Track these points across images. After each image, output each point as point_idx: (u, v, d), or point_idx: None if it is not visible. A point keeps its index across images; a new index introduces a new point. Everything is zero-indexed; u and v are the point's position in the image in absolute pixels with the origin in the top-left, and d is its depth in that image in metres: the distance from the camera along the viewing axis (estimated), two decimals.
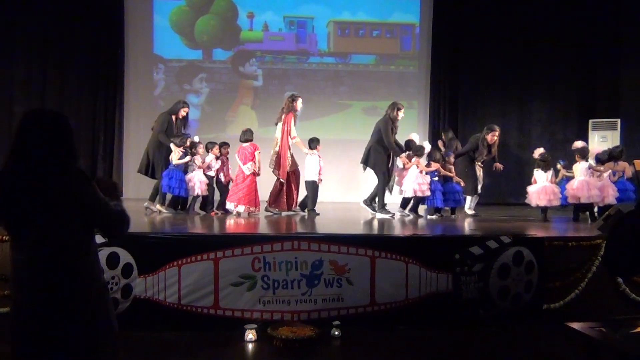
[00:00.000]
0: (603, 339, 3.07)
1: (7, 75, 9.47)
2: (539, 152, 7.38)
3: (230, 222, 6.55)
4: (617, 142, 8.92)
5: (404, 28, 10.62)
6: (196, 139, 7.51)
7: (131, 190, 9.94)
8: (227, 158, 7.54)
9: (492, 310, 4.84)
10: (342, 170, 9.87)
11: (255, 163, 7.13)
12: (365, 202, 7.50)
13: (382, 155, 7.29)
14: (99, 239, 2.64)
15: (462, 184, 7.55)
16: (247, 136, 7.26)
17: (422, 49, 10.58)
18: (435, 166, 7.43)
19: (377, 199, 7.36)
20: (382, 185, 7.30)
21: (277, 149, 7.28)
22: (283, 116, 7.33)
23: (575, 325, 3.31)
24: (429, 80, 10.53)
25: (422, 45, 10.59)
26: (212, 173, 7.29)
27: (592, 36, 10.40)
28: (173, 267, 4.52)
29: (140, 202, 9.24)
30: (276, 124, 7.45)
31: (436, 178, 7.41)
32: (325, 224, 6.57)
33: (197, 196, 7.28)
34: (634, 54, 9.74)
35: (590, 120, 9.97)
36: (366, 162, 7.39)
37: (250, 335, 4.25)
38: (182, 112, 7.47)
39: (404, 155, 7.45)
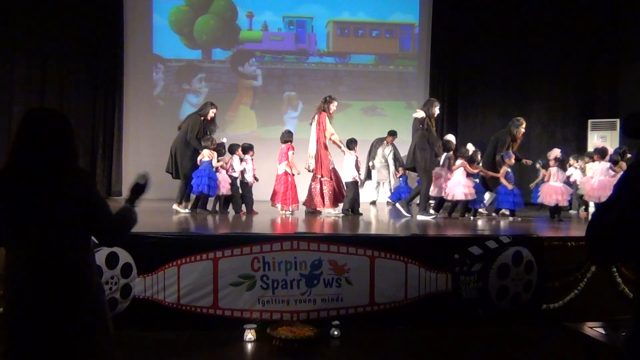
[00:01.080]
0: (602, 339, 3.08)
1: (6, 74, 9.46)
2: (556, 152, 7.41)
3: (229, 221, 6.55)
4: (617, 143, 8.93)
5: (404, 28, 10.62)
6: (224, 140, 7.54)
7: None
8: (252, 159, 7.56)
9: (491, 310, 4.84)
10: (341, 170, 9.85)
11: (288, 163, 7.25)
12: (401, 203, 7.33)
13: (428, 153, 7.04)
14: None
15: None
16: (285, 137, 7.43)
17: (422, 49, 10.59)
18: (478, 168, 7.39)
19: (419, 200, 7.12)
20: (427, 185, 7.05)
21: (314, 149, 7.24)
22: (316, 116, 7.27)
23: (575, 326, 3.32)
24: (428, 80, 10.55)
25: (421, 45, 10.59)
26: (235, 174, 7.36)
27: (592, 36, 10.40)
28: (172, 267, 4.52)
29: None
30: (310, 124, 7.41)
31: (477, 180, 7.40)
32: (324, 223, 6.57)
33: (221, 196, 7.35)
34: (634, 54, 9.75)
35: (590, 120, 9.98)
36: (412, 164, 7.10)
37: (250, 335, 4.24)
38: (211, 113, 7.49)
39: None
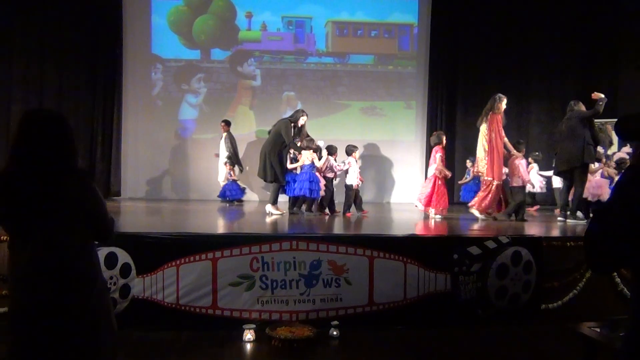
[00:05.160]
0: (601, 339, 3.08)
1: (5, 74, 9.45)
2: (618, 156, 7.48)
3: (228, 221, 6.55)
4: (615, 145, 8.93)
5: (402, 28, 10.62)
6: (320, 143, 7.57)
7: (129, 191, 9.94)
8: (357, 161, 7.59)
9: (490, 310, 4.85)
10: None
11: (437, 165, 7.21)
12: (562, 213, 7.03)
13: (595, 151, 6.71)
14: None
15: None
16: (434, 140, 7.41)
17: (421, 49, 10.59)
18: (608, 169, 7.41)
19: (573, 202, 6.85)
20: (583, 187, 6.75)
21: (485, 152, 6.93)
22: (489, 116, 6.92)
23: (573, 326, 3.32)
24: (427, 80, 10.55)
25: (420, 45, 10.60)
26: (331, 175, 7.47)
27: (591, 37, 10.41)
28: (171, 267, 4.52)
29: (137, 202, 9.25)
30: (478, 127, 7.11)
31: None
32: (322, 224, 6.57)
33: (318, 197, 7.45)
34: (633, 55, 9.76)
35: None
36: (581, 161, 6.60)
37: (249, 335, 4.24)
38: (302, 120, 7.46)
39: None
